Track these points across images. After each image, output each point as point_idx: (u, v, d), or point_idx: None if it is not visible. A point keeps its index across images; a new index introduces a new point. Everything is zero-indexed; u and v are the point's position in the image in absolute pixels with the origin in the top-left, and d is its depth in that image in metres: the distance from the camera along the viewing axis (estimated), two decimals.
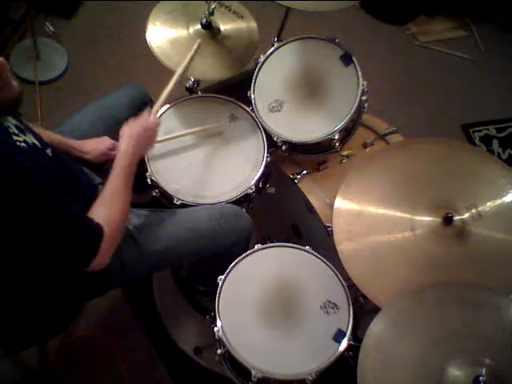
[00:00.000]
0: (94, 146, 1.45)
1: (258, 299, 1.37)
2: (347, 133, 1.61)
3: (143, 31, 1.60)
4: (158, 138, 1.49)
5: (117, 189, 1.23)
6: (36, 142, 1.17)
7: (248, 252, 1.42)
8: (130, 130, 1.32)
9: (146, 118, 1.38)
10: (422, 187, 1.32)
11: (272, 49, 1.63)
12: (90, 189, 1.37)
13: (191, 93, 1.72)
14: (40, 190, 1.05)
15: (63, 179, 1.16)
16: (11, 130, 1.10)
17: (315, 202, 1.58)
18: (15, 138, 1.09)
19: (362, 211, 1.31)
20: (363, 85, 1.53)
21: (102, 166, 1.48)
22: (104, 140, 1.46)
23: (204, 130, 1.60)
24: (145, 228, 1.38)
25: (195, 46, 1.58)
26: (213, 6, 1.59)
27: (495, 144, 2.56)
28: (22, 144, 1.10)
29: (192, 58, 1.57)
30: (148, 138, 1.37)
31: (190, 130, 1.60)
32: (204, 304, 1.87)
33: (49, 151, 1.20)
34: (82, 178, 1.37)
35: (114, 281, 1.35)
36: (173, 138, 1.57)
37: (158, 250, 1.38)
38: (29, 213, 1.04)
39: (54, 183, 1.10)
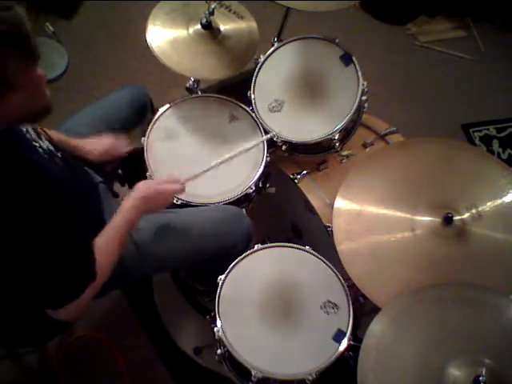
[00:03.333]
0: (95, 146, 1.44)
1: (258, 299, 1.37)
2: (347, 133, 1.61)
3: (143, 31, 1.60)
4: (185, 178, 1.45)
5: (113, 240, 1.18)
6: (50, 147, 1.17)
7: (248, 252, 1.42)
8: (145, 189, 1.28)
9: (167, 183, 1.34)
10: (422, 187, 1.32)
11: (272, 49, 1.63)
12: (92, 189, 1.37)
13: (191, 93, 1.72)
14: (54, 199, 1.03)
15: (73, 187, 1.15)
16: (29, 136, 1.10)
17: (315, 202, 1.57)
18: (34, 143, 1.09)
19: (362, 211, 1.31)
20: (363, 85, 1.53)
21: (103, 168, 1.48)
22: (103, 139, 1.46)
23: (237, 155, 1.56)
24: (147, 230, 1.38)
25: None
26: (213, 6, 1.59)
27: (495, 144, 2.56)
28: (40, 150, 1.10)
29: None
30: (160, 203, 1.32)
31: (217, 162, 1.54)
32: (204, 304, 1.87)
33: (59, 155, 1.20)
34: (84, 178, 1.37)
35: (115, 282, 1.35)
36: (199, 175, 1.52)
37: (159, 254, 1.38)
38: (38, 223, 1.00)
39: (67, 199, 1.08)
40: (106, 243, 1.17)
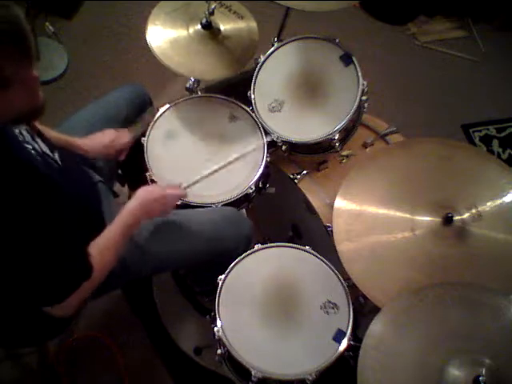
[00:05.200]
0: (98, 141, 1.44)
1: (258, 299, 1.37)
2: (347, 133, 1.61)
3: (143, 31, 1.60)
4: (185, 184, 1.44)
5: (114, 241, 1.19)
6: (45, 149, 1.17)
7: (248, 252, 1.42)
8: (146, 194, 1.28)
9: (169, 190, 1.34)
10: (422, 187, 1.32)
11: (272, 49, 1.63)
12: (91, 188, 1.37)
13: (191, 93, 1.72)
14: (51, 203, 1.03)
15: (69, 189, 1.15)
16: (21, 138, 1.10)
17: (315, 202, 1.57)
18: (26, 145, 1.09)
19: (362, 211, 1.31)
20: (363, 85, 1.53)
21: (111, 158, 1.48)
22: (105, 134, 1.45)
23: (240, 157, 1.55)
24: (146, 230, 1.38)
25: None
26: (213, 6, 1.59)
27: (495, 144, 2.57)
28: (33, 152, 1.09)
29: None
30: (160, 209, 1.32)
31: (216, 167, 1.52)
32: (204, 304, 1.87)
33: (57, 156, 1.20)
34: (83, 178, 1.37)
35: (114, 282, 1.35)
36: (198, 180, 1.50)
37: (159, 253, 1.38)
38: (32, 222, 1.00)
39: (61, 201, 1.07)
40: (103, 245, 1.17)
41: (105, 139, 1.45)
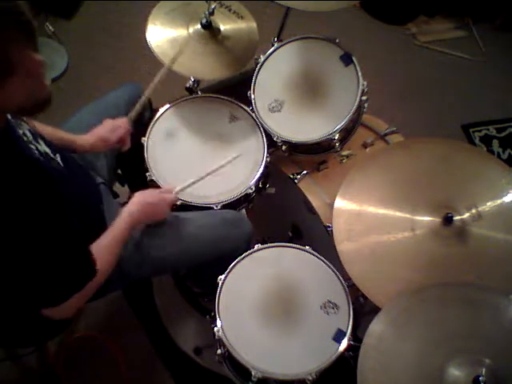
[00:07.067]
0: (98, 133, 1.43)
1: (258, 299, 1.37)
2: (347, 133, 1.61)
3: (143, 31, 1.60)
4: (178, 188, 1.48)
5: (114, 242, 1.22)
6: (47, 150, 1.17)
7: (248, 252, 1.42)
8: (142, 197, 1.33)
9: (164, 193, 1.39)
10: (422, 187, 1.32)
11: (272, 49, 1.63)
12: (93, 189, 1.37)
13: (191, 93, 1.72)
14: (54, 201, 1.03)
15: (70, 189, 1.15)
16: (25, 139, 1.09)
17: (315, 202, 1.58)
18: (30, 145, 1.09)
19: (362, 211, 1.31)
20: (363, 85, 1.53)
21: (118, 151, 1.49)
22: (103, 125, 1.44)
23: (224, 165, 1.56)
24: (146, 232, 1.38)
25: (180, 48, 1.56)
26: (213, 6, 1.59)
27: (495, 144, 2.57)
28: (36, 152, 1.09)
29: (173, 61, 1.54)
30: (157, 211, 1.36)
31: (210, 170, 1.54)
32: (204, 304, 1.87)
33: (58, 157, 1.20)
34: (85, 179, 1.37)
35: (113, 284, 1.35)
36: (191, 184, 1.53)
37: (159, 255, 1.38)
38: (37, 224, 1.00)
39: (63, 200, 1.07)
40: (104, 246, 1.19)
41: (102, 130, 1.43)
